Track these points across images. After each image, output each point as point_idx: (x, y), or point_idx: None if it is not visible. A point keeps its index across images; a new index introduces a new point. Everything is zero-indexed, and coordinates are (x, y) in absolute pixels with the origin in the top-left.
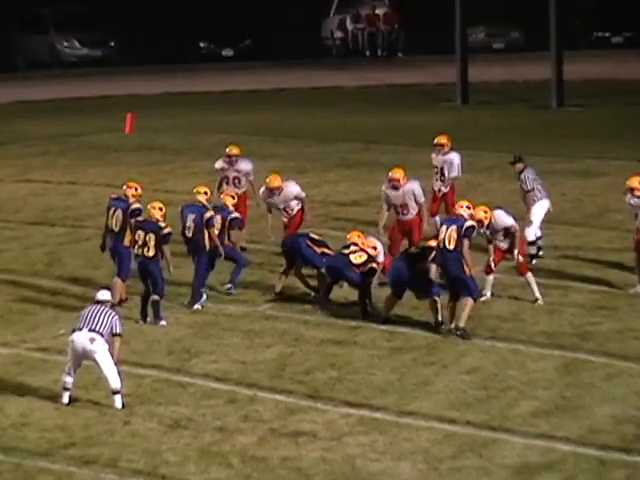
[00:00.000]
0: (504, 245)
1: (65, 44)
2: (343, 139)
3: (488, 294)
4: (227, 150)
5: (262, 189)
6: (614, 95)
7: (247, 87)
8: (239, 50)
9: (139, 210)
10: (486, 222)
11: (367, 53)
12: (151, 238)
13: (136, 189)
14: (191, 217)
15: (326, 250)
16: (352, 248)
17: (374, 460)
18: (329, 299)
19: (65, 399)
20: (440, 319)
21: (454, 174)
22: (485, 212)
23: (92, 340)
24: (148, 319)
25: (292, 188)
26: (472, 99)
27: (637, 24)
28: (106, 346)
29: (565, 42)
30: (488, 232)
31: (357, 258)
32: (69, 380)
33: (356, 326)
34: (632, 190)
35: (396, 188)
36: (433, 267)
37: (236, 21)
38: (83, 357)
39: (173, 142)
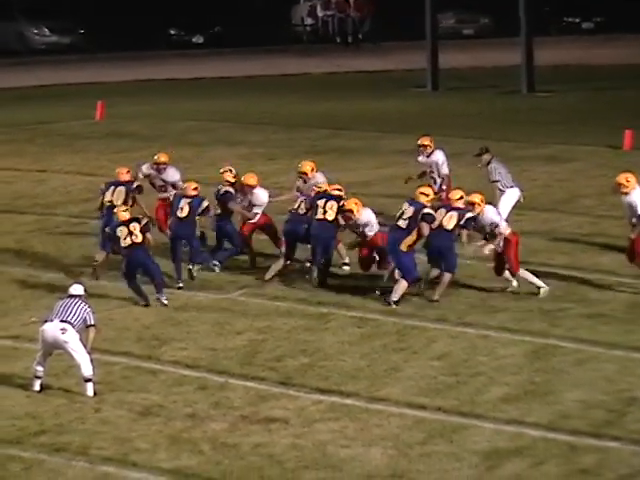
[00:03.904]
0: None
1: (34, 31)
2: (312, 125)
3: (514, 283)
4: (155, 157)
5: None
6: (584, 81)
7: (216, 74)
8: (209, 37)
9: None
10: (477, 209)
11: (337, 40)
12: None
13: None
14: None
15: None
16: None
17: (345, 446)
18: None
19: (36, 387)
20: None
21: (444, 172)
22: (481, 200)
23: (63, 330)
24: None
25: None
26: (442, 85)
27: (607, 9)
28: (77, 335)
29: (535, 28)
30: (473, 224)
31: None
32: (40, 368)
33: (327, 313)
34: (619, 185)
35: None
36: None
37: (206, 8)
38: (54, 347)
39: (142, 129)
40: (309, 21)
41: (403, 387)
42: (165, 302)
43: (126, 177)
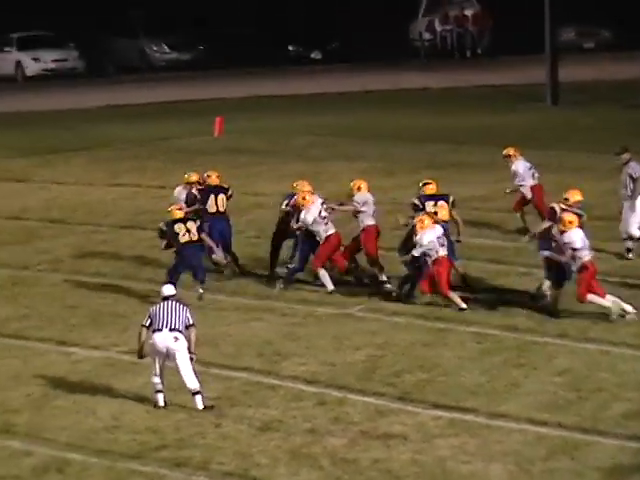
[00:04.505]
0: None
1: (154, 48)
2: (431, 140)
3: (629, 308)
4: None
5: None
6: None
7: (335, 89)
8: (327, 52)
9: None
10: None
11: (456, 54)
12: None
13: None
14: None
15: None
16: None
17: (465, 462)
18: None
19: (161, 402)
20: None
21: (522, 182)
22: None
23: (176, 339)
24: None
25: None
26: (562, 99)
27: None
28: (186, 344)
29: None
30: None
31: None
32: (158, 380)
33: (445, 328)
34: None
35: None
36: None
37: (324, 24)
38: (166, 356)
39: (261, 144)
40: (427, 36)
41: (523, 403)
42: (201, 291)
43: (217, 181)
